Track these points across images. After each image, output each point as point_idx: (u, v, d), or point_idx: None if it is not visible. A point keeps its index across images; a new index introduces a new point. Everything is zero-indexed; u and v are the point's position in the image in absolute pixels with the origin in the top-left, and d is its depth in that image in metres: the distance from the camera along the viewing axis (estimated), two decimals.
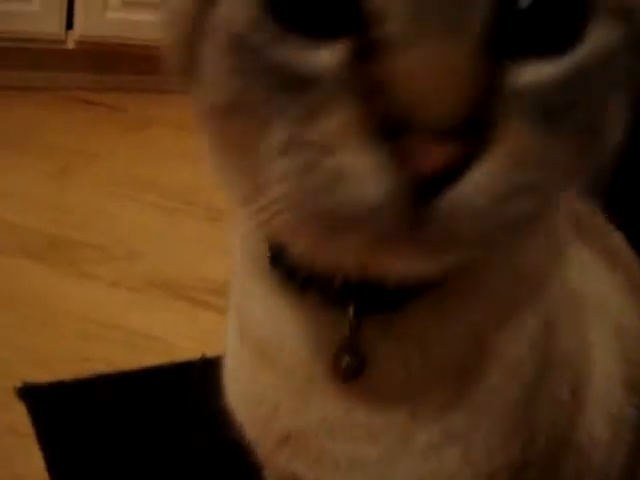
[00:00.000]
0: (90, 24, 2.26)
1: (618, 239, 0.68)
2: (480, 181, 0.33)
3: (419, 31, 0.33)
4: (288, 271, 0.46)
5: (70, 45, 2.27)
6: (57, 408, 0.94)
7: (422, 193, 0.33)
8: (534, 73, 0.35)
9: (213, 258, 1.23)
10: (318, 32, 0.35)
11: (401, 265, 0.39)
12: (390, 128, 0.33)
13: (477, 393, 0.48)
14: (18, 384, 0.96)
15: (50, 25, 2.21)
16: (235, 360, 0.55)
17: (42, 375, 0.98)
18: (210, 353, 0.97)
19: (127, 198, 1.60)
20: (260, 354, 0.51)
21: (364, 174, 0.33)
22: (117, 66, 2.41)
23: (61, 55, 2.30)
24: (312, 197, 0.35)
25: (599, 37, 0.36)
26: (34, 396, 0.95)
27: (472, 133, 0.33)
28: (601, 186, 0.43)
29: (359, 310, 0.46)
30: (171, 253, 1.34)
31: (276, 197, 0.36)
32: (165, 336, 1.10)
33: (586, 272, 0.57)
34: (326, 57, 0.35)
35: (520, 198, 0.35)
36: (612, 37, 0.37)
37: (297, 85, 0.35)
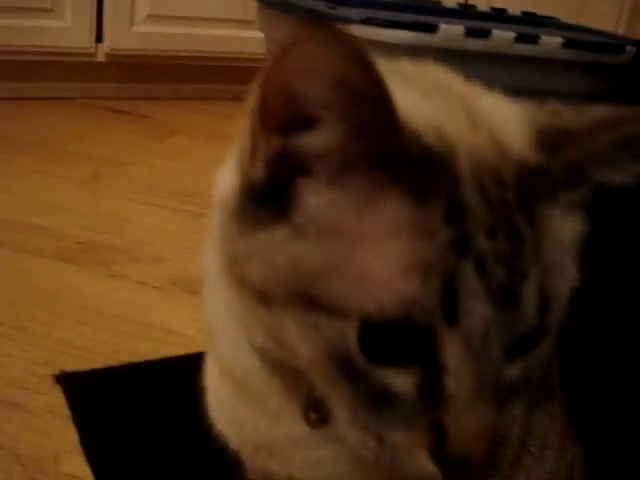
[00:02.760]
0: (118, 38, 2.39)
1: None
2: None
3: (474, 400, 0.43)
4: None
5: (100, 58, 2.40)
6: (91, 393, 1.06)
7: None
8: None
9: None
10: (395, 362, 0.43)
11: None
12: (444, 458, 0.43)
13: None
14: (56, 372, 1.08)
15: (81, 39, 2.35)
16: (216, 394, 0.60)
17: (77, 365, 1.10)
18: None
19: (153, 204, 1.72)
20: (240, 390, 0.56)
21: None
22: (144, 76, 2.54)
23: (91, 67, 2.43)
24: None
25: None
26: (70, 382, 1.06)
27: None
28: None
29: None
30: (192, 255, 1.44)
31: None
32: (185, 330, 1.22)
33: None
34: (404, 381, 0.43)
35: None
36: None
37: (381, 397, 0.44)
